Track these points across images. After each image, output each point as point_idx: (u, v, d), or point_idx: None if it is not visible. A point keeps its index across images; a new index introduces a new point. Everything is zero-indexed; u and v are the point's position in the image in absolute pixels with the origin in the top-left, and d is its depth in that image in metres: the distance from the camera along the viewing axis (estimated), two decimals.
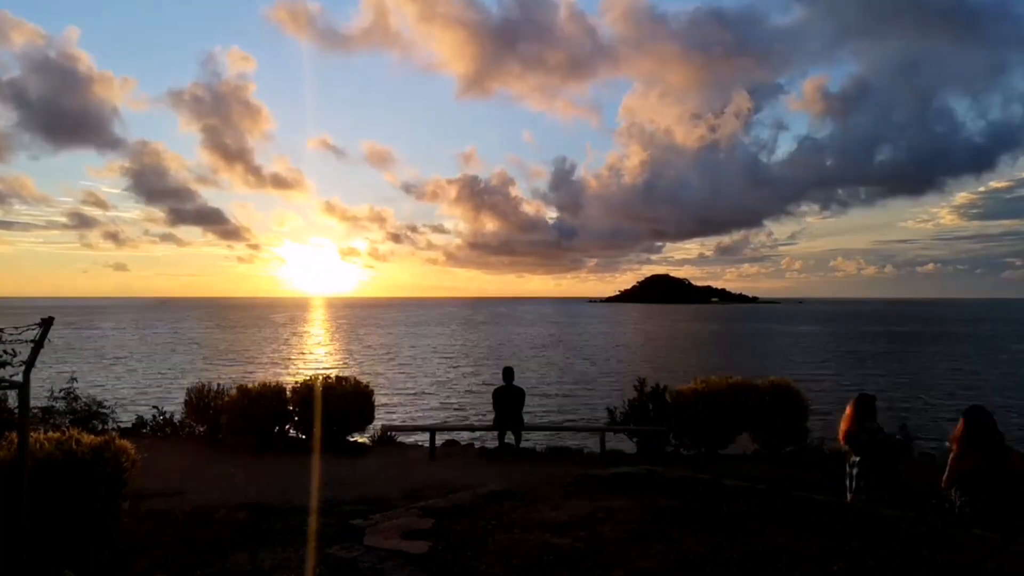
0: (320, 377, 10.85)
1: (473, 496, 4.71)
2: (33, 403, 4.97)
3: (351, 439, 10.88)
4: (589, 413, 19.63)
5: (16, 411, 4.76)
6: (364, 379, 11.40)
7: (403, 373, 32.39)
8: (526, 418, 10.57)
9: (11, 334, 4.10)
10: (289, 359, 40.49)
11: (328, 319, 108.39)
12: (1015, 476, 4.48)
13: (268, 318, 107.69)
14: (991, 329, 75.57)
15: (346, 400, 10.39)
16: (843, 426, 5.67)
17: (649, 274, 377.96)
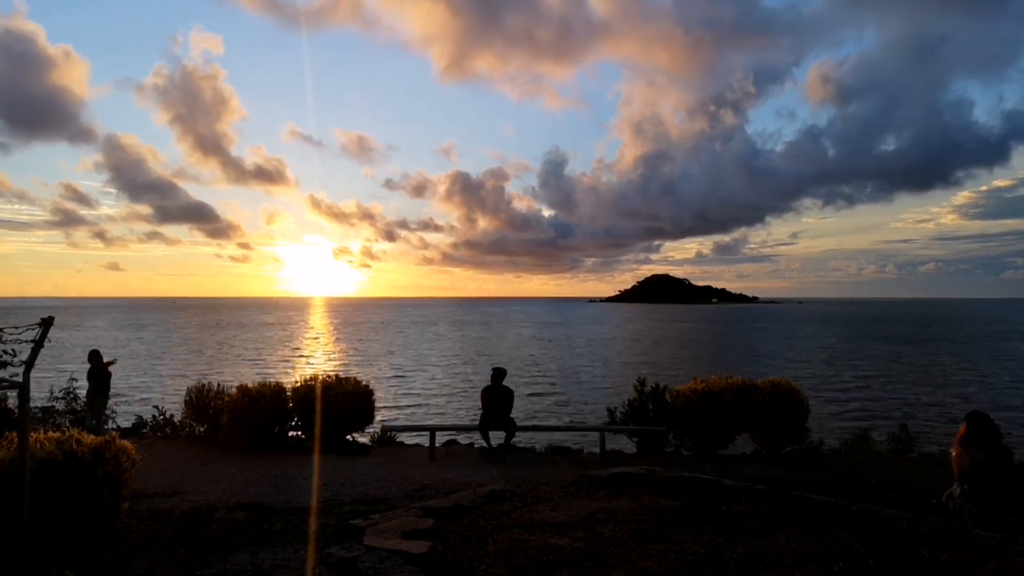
0: (320, 377, 10.86)
1: (473, 496, 4.71)
2: (33, 403, 4.97)
3: (351, 439, 10.88)
4: (589, 413, 19.64)
5: (16, 411, 4.77)
6: (364, 379, 11.40)
7: (403, 373, 32.39)
8: (520, 417, 10.60)
9: (11, 334, 4.10)
10: (289, 359, 40.49)
11: (326, 320, 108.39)
12: (1015, 473, 4.50)
13: (267, 318, 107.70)
14: (992, 329, 75.56)
15: (346, 400, 10.38)
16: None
17: (648, 274, 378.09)
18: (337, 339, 60.14)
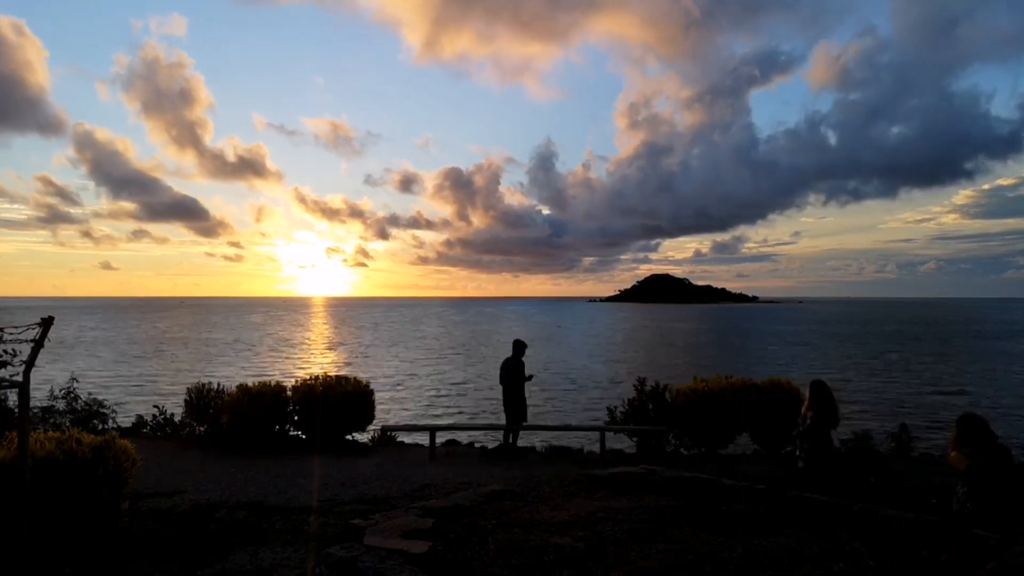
0: (320, 377, 10.86)
1: (473, 496, 4.71)
2: (33, 403, 4.97)
3: (351, 439, 10.88)
4: (589, 413, 19.64)
5: (16, 411, 4.77)
6: (364, 379, 11.41)
7: (403, 373, 32.40)
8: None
9: (11, 334, 4.10)
10: (289, 359, 40.50)
11: (325, 320, 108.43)
12: (1015, 473, 4.49)
13: (266, 318, 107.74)
14: (993, 329, 75.58)
15: (346, 400, 10.39)
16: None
17: (648, 273, 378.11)
18: (336, 339, 60.16)
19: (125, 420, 12.84)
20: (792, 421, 9.81)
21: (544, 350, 46.31)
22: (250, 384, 10.63)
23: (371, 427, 11.38)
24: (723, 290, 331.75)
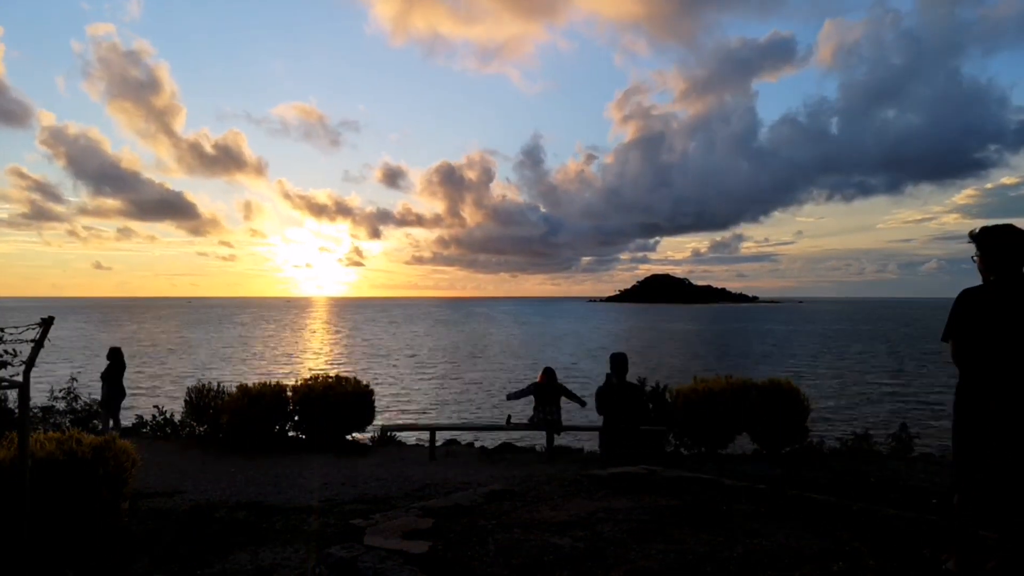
0: (320, 377, 10.86)
1: (473, 496, 4.71)
2: (33, 403, 4.97)
3: (351, 439, 10.88)
4: (589, 413, 19.64)
5: (16, 411, 4.77)
6: (364, 379, 11.41)
7: (403, 373, 32.40)
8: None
9: (11, 334, 4.10)
10: (289, 359, 40.50)
11: (322, 319, 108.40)
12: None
13: (264, 318, 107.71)
14: None
15: (346, 400, 10.39)
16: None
17: (648, 273, 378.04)
18: (336, 339, 60.15)
19: (125, 420, 12.84)
20: (792, 421, 9.81)
21: (544, 351, 46.31)
22: (250, 384, 10.63)
23: (371, 427, 11.38)
24: (723, 290, 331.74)
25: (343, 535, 4.14)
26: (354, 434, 10.99)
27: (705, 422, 9.77)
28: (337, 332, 71.36)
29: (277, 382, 10.90)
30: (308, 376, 11.13)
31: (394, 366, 35.60)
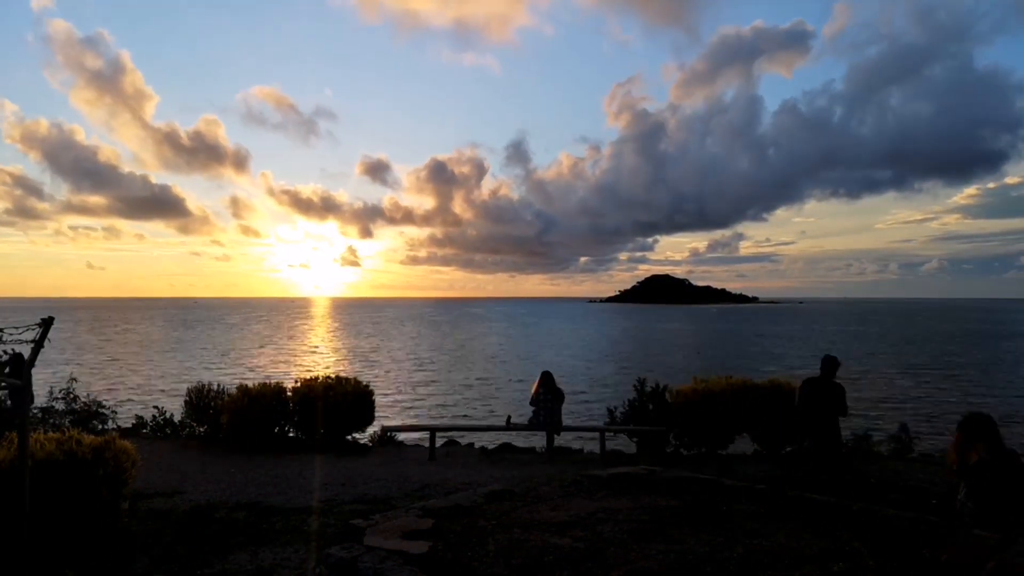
0: (320, 377, 10.87)
1: (473, 496, 4.71)
2: (33, 403, 4.98)
3: (351, 439, 10.88)
4: (589, 413, 19.63)
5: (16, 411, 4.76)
6: (364, 379, 11.41)
7: (403, 373, 32.40)
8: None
9: (11, 334, 4.10)
10: (288, 359, 40.50)
11: (324, 320, 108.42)
12: (1017, 472, 4.49)
13: (263, 318, 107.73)
14: (995, 329, 75.55)
15: (346, 400, 10.39)
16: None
17: (648, 274, 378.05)
18: (336, 339, 60.15)
19: (125, 420, 12.84)
20: (792, 421, 9.80)
21: (543, 351, 46.32)
22: (250, 384, 10.63)
23: (371, 427, 11.38)
24: (723, 291, 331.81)
25: (343, 535, 4.13)
26: (354, 434, 10.99)
27: (705, 422, 9.76)
28: (337, 332, 71.37)
29: (277, 382, 10.91)
30: (308, 376, 11.14)
31: (393, 366, 35.61)
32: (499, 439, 12.49)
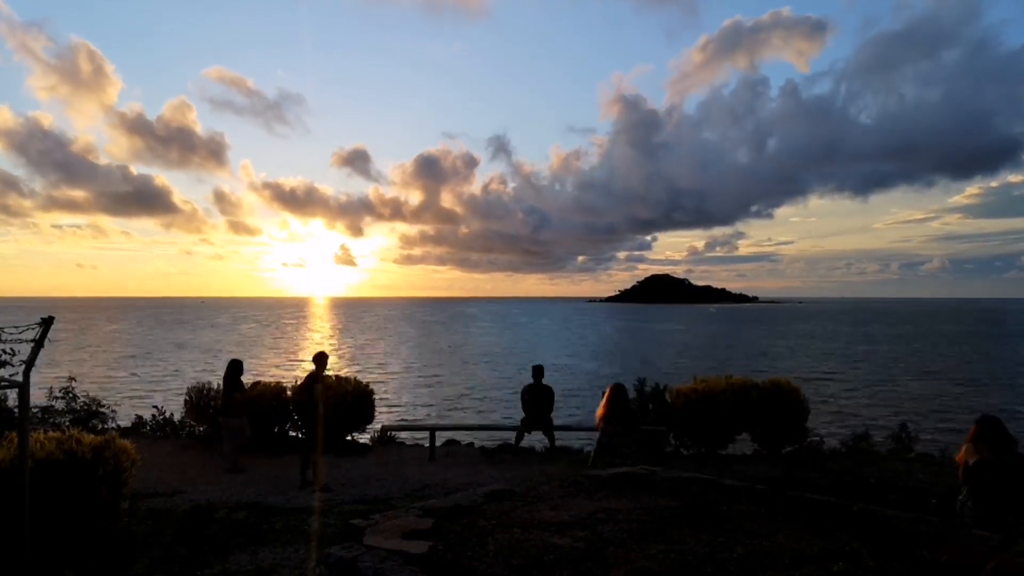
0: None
1: (473, 496, 4.71)
2: (33, 403, 4.98)
3: (351, 439, 10.87)
4: (589, 413, 19.63)
5: (16, 411, 4.77)
6: (364, 379, 11.40)
7: (403, 373, 32.41)
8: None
9: (11, 333, 4.10)
10: (288, 359, 40.50)
11: (324, 320, 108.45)
12: (1018, 472, 4.49)
13: (262, 318, 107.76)
14: (995, 330, 75.56)
15: (346, 400, 10.39)
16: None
17: (647, 273, 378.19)
18: (337, 339, 60.16)
19: (125, 420, 12.84)
20: (792, 421, 9.81)
21: (543, 351, 46.32)
22: (250, 384, 10.61)
23: (371, 427, 11.37)
24: (723, 290, 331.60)
25: (343, 535, 4.13)
26: (354, 434, 10.98)
27: (705, 422, 9.76)
28: (337, 332, 71.38)
29: (277, 382, 10.90)
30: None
31: (393, 366, 35.61)
32: (499, 439, 12.48)
